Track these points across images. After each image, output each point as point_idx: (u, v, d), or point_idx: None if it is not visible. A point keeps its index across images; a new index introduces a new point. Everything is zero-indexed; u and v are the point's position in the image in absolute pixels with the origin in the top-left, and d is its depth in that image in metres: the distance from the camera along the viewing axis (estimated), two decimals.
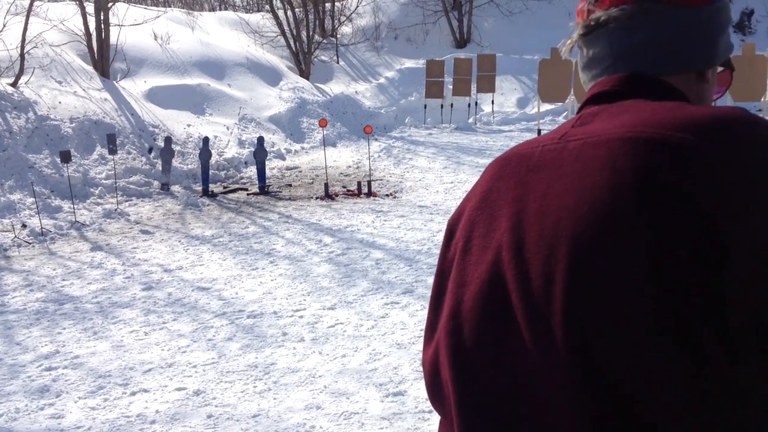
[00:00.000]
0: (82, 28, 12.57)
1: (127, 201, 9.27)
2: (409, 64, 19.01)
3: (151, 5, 23.01)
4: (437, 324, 1.05)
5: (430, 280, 5.98)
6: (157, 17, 15.87)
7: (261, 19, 19.94)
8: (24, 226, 7.81)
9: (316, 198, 9.52)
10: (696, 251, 0.78)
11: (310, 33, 18.66)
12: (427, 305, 5.45)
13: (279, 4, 19.18)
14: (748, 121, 0.84)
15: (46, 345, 4.92)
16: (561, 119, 15.13)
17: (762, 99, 11.39)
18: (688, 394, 0.79)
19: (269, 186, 10.24)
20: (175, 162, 10.47)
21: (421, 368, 4.34)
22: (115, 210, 8.74)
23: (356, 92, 17.18)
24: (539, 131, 11.74)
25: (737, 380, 0.79)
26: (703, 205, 0.78)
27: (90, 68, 12.31)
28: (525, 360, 0.89)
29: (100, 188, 9.25)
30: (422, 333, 4.89)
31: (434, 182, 10.27)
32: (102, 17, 12.57)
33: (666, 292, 0.79)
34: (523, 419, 0.90)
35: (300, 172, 11.57)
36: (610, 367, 0.82)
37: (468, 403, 0.96)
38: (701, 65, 1.02)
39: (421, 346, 4.67)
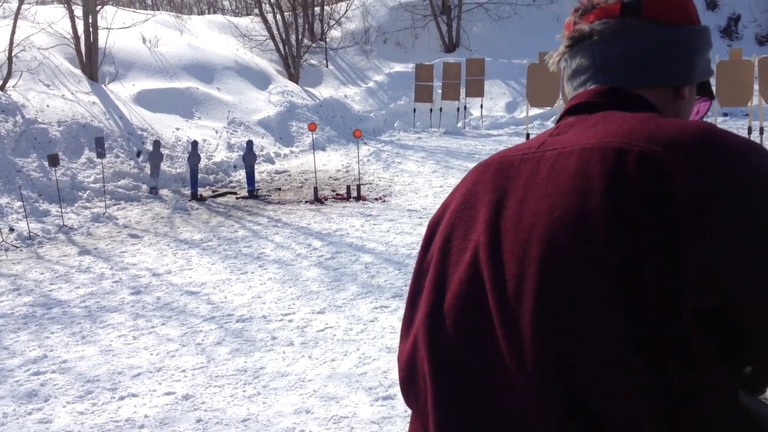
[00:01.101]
0: (71, 31, 12.53)
1: (115, 205, 9.24)
2: (398, 68, 19.03)
3: (140, 8, 22.95)
4: (414, 320, 1.08)
5: None
6: (146, 20, 15.83)
7: (250, 23, 19.92)
8: (11, 230, 7.77)
9: (306, 202, 9.52)
10: (656, 256, 0.82)
11: (299, 37, 18.66)
12: None
13: (268, 8, 19.17)
14: (713, 135, 0.88)
15: (33, 349, 4.89)
16: (549, 123, 15.18)
17: (749, 104, 11.47)
18: (650, 395, 0.82)
19: (258, 190, 10.23)
20: (164, 166, 10.45)
21: None
22: (104, 214, 8.71)
23: (345, 96, 17.19)
24: (528, 135, 11.78)
25: (696, 381, 0.83)
26: (664, 211, 0.82)
27: (78, 71, 12.27)
28: (498, 358, 0.92)
29: (88, 192, 9.22)
30: None
31: (423, 186, 10.28)
32: (90, 20, 12.53)
33: (628, 295, 0.83)
34: (496, 417, 0.93)
35: (289, 176, 11.56)
36: (574, 366, 0.85)
37: (444, 398, 0.99)
38: (677, 81, 1.07)
39: None
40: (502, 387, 0.91)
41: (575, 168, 0.91)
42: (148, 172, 10.17)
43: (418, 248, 7.07)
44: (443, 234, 1.06)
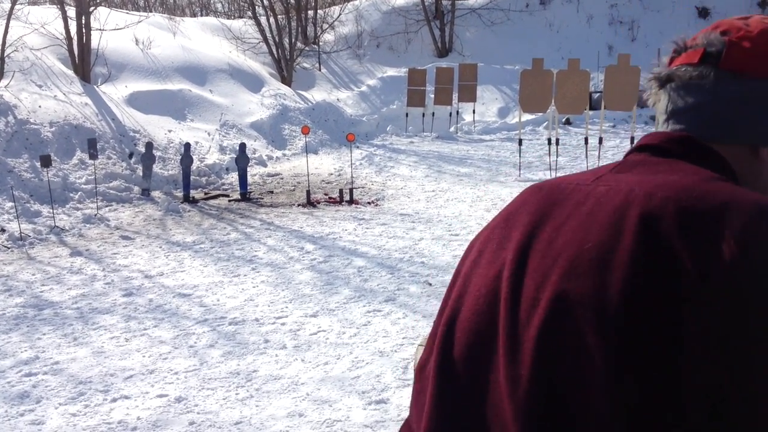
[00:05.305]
0: (63, 32, 12.50)
1: (107, 206, 9.21)
2: (391, 72, 19.07)
3: (133, 10, 22.91)
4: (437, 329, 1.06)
5: (412, 288, 6.00)
6: (139, 22, 15.82)
7: (243, 26, 19.92)
8: (2, 230, 7.74)
9: (298, 205, 9.52)
10: (662, 325, 0.77)
11: (293, 40, 18.67)
12: (409, 313, 5.47)
13: (261, 11, 19.18)
14: (764, 216, 0.82)
15: (25, 351, 4.87)
16: (542, 129, 15.25)
17: None
18: None
19: (251, 192, 10.22)
20: (156, 167, 10.43)
21: (403, 376, 4.36)
22: (95, 215, 8.68)
23: (338, 100, 17.20)
24: (520, 141, 11.82)
25: None
26: (683, 285, 0.77)
27: (71, 72, 12.24)
28: (497, 381, 0.90)
29: (79, 193, 9.19)
30: (404, 341, 4.91)
31: (416, 190, 10.30)
32: (83, 21, 12.51)
33: (631, 359, 0.78)
34: None
35: (281, 179, 11.55)
36: (563, 408, 0.82)
37: (440, 406, 0.98)
38: (753, 140, 0.98)
39: (403, 354, 4.68)
40: (494, 407, 0.90)
41: (618, 206, 0.87)
42: (140, 173, 10.14)
43: (410, 252, 7.11)
44: (478, 247, 1.04)
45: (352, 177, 10.84)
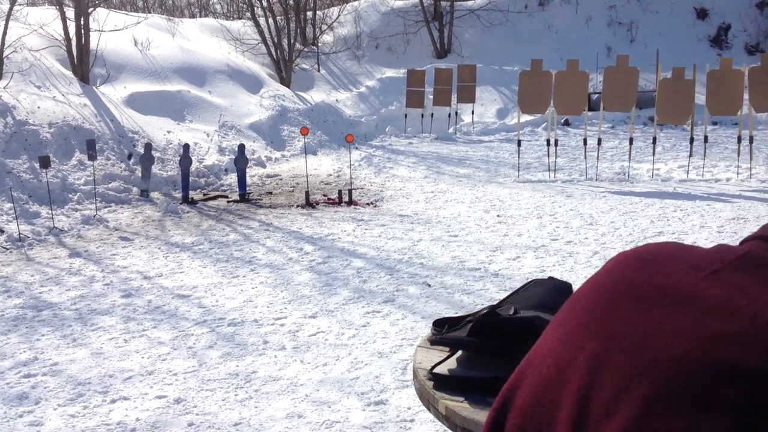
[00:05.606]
0: (62, 33, 12.50)
1: (106, 207, 9.21)
2: (389, 73, 19.08)
3: (132, 11, 22.90)
4: None
5: (411, 289, 6.00)
6: (138, 23, 15.81)
7: (242, 27, 19.93)
8: (1, 231, 7.73)
9: (297, 206, 9.52)
10: None
11: (291, 41, 18.67)
12: (408, 314, 5.46)
13: (260, 12, 19.18)
14: None
15: (24, 352, 4.87)
16: (540, 130, 15.26)
17: (738, 113, 11.55)
18: None
19: (249, 193, 10.22)
20: (155, 169, 10.42)
21: (402, 377, 4.36)
22: (94, 216, 8.68)
23: (337, 101, 17.21)
24: (519, 142, 11.82)
25: None
26: None
27: (69, 73, 12.24)
28: None
29: (78, 194, 9.18)
30: (403, 341, 4.90)
31: (415, 191, 10.30)
32: (82, 22, 12.50)
33: None
34: None
35: (280, 179, 11.55)
36: None
37: None
38: None
39: (402, 355, 4.68)
40: None
41: (739, 332, 0.72)
42: (139, 174, 10.14)
43: (409, 253, 7.12)
44: (559, 317, 0.91)
45: (351, 178, 10.84)
